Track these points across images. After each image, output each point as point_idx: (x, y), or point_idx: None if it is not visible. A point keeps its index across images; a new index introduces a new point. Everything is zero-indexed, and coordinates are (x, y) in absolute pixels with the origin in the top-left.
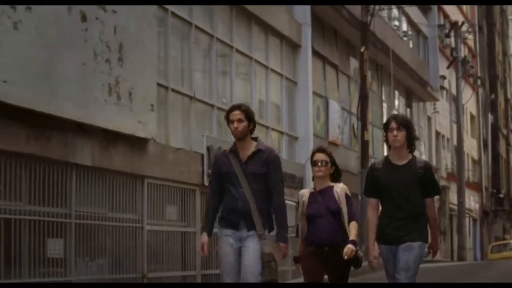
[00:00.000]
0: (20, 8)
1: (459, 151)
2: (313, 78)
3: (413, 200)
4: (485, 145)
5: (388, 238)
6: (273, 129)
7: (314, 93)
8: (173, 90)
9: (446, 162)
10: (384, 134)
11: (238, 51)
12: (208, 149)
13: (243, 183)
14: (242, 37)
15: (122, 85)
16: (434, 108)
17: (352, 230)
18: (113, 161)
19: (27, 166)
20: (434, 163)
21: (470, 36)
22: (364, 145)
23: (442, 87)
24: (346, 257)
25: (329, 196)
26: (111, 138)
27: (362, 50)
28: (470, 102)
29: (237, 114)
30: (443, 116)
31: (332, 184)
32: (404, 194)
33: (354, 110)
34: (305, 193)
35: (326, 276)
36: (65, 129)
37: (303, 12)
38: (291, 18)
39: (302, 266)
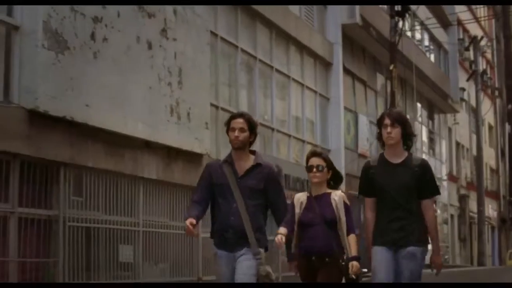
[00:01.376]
0: (98, 39)
1: (478, 161)
2: (344, 94)
3: (410, 201)
4: (503, 154)
5: (386, 240)
6: (308, 143)
7: (345, 108)
8: (222, 109)
9: (466, 171)
10: (378, 131)
11: (277, 70)
12: None
13: (238, 198)
14: (281, 57)
15: (182, 106)
16: (454, 120)
17: (352, 244)
18: (173, 175)
19: (104, 180)
20: (454, 173)
21: (489, 50)
22: None
23: (462, 99)
24: (353, 276)
25: (326, 203)
26: (172, 154)
27: (391, 68)
28: (488, 112)
29: (239, 122)
30: (462, 127)
31: (329, 190)
32: (400, 194)
33: None
34: (302, 196)
35: None
36: (135, 147)
37: (335, 32)
38: (324, 39)
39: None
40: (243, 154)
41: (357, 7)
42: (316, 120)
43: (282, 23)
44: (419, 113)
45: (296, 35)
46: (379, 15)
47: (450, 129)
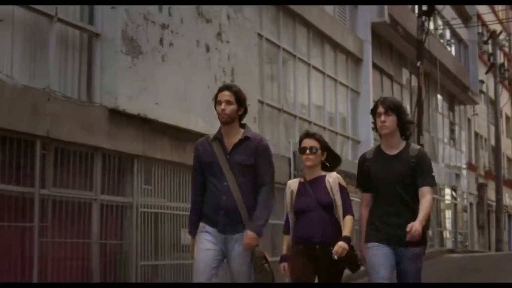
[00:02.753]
0: (166, 44)
1: (496, 151)
2: (373, 88)
3: (408, 194)
4: None
5: (384, 237)
6: (340, 134)
7: (374, 101)
8: (267, 104)
9: (484, 161)
10: (372, 120)
11: (314, 67)
12: (294, 154)
13: (228, 176)
14: (317, 55)
15: (210, 96)
16: (474, 111)
17: (346, 225)
18: None
19: (169, 170)
20: (473, 162)
21: (507, 44)
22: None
23: (481, 91)
24: (336, 257)
25: (320, 187)
26: None
27: (418, 64)
28: (506, 104)
29: (226, 95)
30: (481, 118)
31: (324, 173)
32: (397, 187)
33: None
34: (292, 183)
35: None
36: (195, 140)
37: (365, 30)
38: (355, 36)
39: (290, 267)
40: (232, 129)
41: (386, 6)
42: (348, 113)
43: (318, 23)
44: (440, 105)
45: (331, 34)
46: (406, 13)
47: (469, 120)
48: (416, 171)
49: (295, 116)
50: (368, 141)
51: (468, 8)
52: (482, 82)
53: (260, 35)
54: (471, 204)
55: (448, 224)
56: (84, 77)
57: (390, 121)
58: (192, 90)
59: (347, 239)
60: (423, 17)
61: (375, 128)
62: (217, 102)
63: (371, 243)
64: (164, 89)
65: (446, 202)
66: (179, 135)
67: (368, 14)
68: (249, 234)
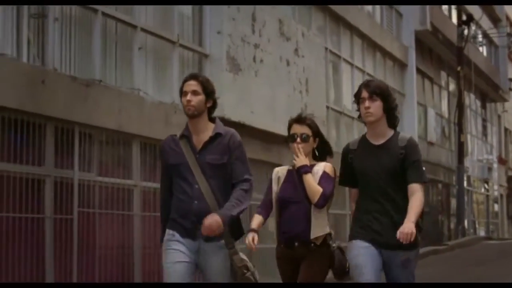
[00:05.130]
0: (257, 61)
1: None
2: (416, 90)
3: (395, 190)
4: None
5: (369, 236)
6: None
7: (417, 102)
8: (332, 109)
9: None
10: (356, 106)
11: (368, 74)
12: None
13: (199, 178)
14: (370, 63)
15: (308, 109)
16: (504, 108)
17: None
18: None
19: (259, 168)
20: (503, 156)
21: None
22: (461, 146)
23: (510, 89)
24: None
25: None
26: None
27: (458, 69)
28: None
29: (192, 84)
30: (510, 115)
31: (314, 162)
32: (383, 182)
33: (443, 114)
34: (280, 170)
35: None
36: (279, 142)
37: (409, 38)
38: (401, 44)
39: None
40: (201, 124)
41: (428, 15)
42: None
43: (371, 33)
44: (473, 103)
45: (381, 43)
46: (445, 21)
47: (499, 117)
48: (405, 164)
49: (353, 118)
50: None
51: (497, 10)
52: (511, 80)
53: (325, 48)
54: (501, 195)
55: (481, 214)
56: None
57: (375, 107)
58: (277, 99)
59: (305, 168)
60: (463, 26)
61: (359, 115)
62: (182, 93)
63: (355, 240)
64: (257, 100)
65: (479, 193)
66: (267, 138)
67: (412, 23)
68: (214, 216)
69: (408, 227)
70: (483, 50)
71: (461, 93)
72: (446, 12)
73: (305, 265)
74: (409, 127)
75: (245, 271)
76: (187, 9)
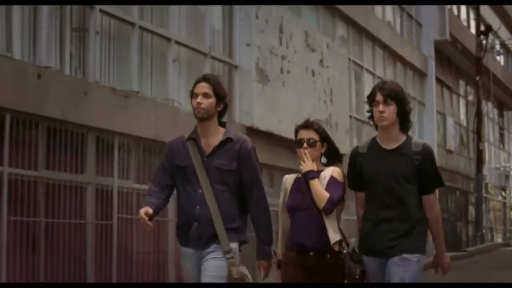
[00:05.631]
0: (285, 72)
1: None
2: (435, 99)
3: (405, 198)
4: None
5: (374, 249)
6: None
7: (436, 111)
8: (354, 118)
9: None
10: (369, 108)
11: None
12: None
13: (203, 183)
14: (390, 73)
15: (332, 118)
16: None
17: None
18: None
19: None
20: None
21: None
22: (480, 154)
23: None
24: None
25: None
26: None
27: (477, 79)
28: None
29: (203, 86)
30: None
31: (322, 168)
32: (394, 188)
33: (461, 122)
34: (289, 178)
35: None
36: (289, 147)
37: (429, 48)
38: (420, 53)
39: (282, 277)
40: (211, 128)
41: (447, 25)
42: (415, 123)
43: (392, 44)
44: (490, 111)
45: (402, 53)
46: (464, 31)
47: None
48: (421, 172)
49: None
50: (432, 147)
51: None
52: None
53: (349, 59)
54: None
55: (498, 221)
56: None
57: (389, 111)
58: (303, 109)
59: (312, 174)
60: (481, 37)
61: (371, 117)
62: (193, 95)
63: (365, 256)
64: (284, 109)
65: (496, 201)
66: (293, 146)
67: (431, 33)
68: (262, 263)
69: (445, 262)
70: (501, 59)
71: (480, 103)
72: (464, 23)
73: (320, 279)
74: (429, 136)
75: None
76: (217, 22)
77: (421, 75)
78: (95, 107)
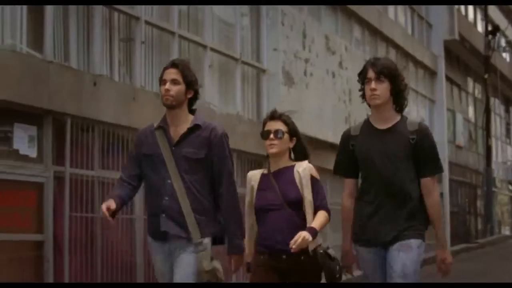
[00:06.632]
0: (308, 75)
1: None
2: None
3: (402, 179)
4: None
5: (370, 240)
6: None
7: (446, 108)
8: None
9: None
10: (361, 87)
11: None
12: None
13: (172, 173)
14: (403, 72)
15: (351, 117)
16: None
17: (318, 217)
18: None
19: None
20: None
21: None
22: (488, 149)
23: None
24: (292, 248)
25: (288, 180)
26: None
27: (485, 77)
28: None
29: (172, 72)
30: None
31: (292, 163)
32: (388, 169)
33: (470, 119)
34: (254, 175)
35: None
36: (325, 148)
37: (439, 47)
38: (431, 53)
39: (252, 281)
40: (180, 115)
41: (456, 25)
42: (426, 119)
43: (404, 44)
44: (497, 107)
45: (413, 53)
46: (472, 31)
47: None
48: (417, 152)
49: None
50: (442, 143)
51: None
52: None
53: (365, 60)
54: None
55: (505, 214)
56: (254, 102)
57: (382, 89)
58: (324, 109)
59: (313, 231)
60: (489, 36)
61: (363, 96)
62: (161, 81)
63: (359, 247)
64: (308, 110)
65: (503, 195)
66: (316, 145)
67: (441, 33)
68: (232, 258)
69: (444, 255)
70: (507, 56)
71: (488, 100)
72: (472, 22)
73: (295, 281)
74: (439, 132)
75: (212, 279)
76: (246, 30)
77: (432, 73)
78: (143, 111)
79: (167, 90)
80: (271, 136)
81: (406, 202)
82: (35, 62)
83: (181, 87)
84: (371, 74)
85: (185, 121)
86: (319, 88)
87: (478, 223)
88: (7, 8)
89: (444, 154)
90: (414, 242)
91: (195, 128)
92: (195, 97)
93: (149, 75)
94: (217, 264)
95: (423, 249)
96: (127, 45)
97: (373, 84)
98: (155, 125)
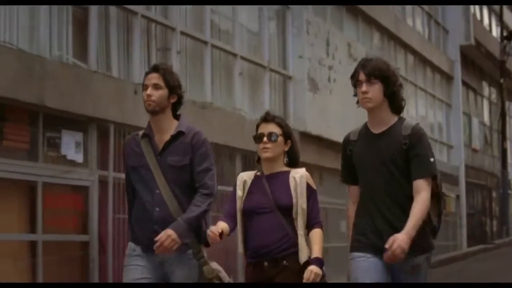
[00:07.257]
0: (331, 81)
1: None
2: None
3: (397, 188)
4: None
5: (370, 245)
6: (439, 142)
7: (462, 112)
8: None
9: None
10: (354, 90)
11: (420, 88)
12: None
13: (160, 182)
14: (420, 76)
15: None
16: None
17: (316, 241)
18: None
19: (333, 176)
20: None
21: None
22: (504, 152)
23: None
24: (308, 280)
25: (281, 185)
26: None
27: (501, 81)
28: None
29: (153, 77)
30: None
31: (288, 169)
32: (381, 176)
33: (485, 122)
34: (246, 175)
35: None
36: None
37: (455, 52)
38: (447, 58)
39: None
40: (164, 122)
41: (472, 30)
42: (443, 122)
43: (421, 50)
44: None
45: (431, 58)
46: (487, 36)
47: None
48: (410, 156)
49: None
50: (459, 146)
51: None
52: None
53: None
54: None
55: None
56: (281, 108)
57: (374, 91)
58: (347, 114)
59: (320, 262)
60: (505, 41)
61: (358, 101)
62: (143, 87)
63: (354, 253)
64: (332, 115)
65: None
66: (339, 149)
67: (457, 38)
68: (166, 232)
69: (398, 240)
70: None
71: (503, 104)
72: (487, 27)
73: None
74: (456, 136)
75: (216, 281)
76: (273, 38)
77: (448, 78)
78: None
79: (149, 96)
80: (265, 139)
81: (404, 214)
82: (81, 72)
83: (163, 92)
84: (361, 76)
85: (169, 127)
86: (342, 94)
87: (493, 224)
88: (55, 22)
89: (461, 157)
90: (422, 259)
91: (178, 135)
92: (179, 102)
93: (184, 83)
94: (217, 266)
95: (430, 260)
96: (164, 55)
97: (364, 87)
98: (140, 133)
